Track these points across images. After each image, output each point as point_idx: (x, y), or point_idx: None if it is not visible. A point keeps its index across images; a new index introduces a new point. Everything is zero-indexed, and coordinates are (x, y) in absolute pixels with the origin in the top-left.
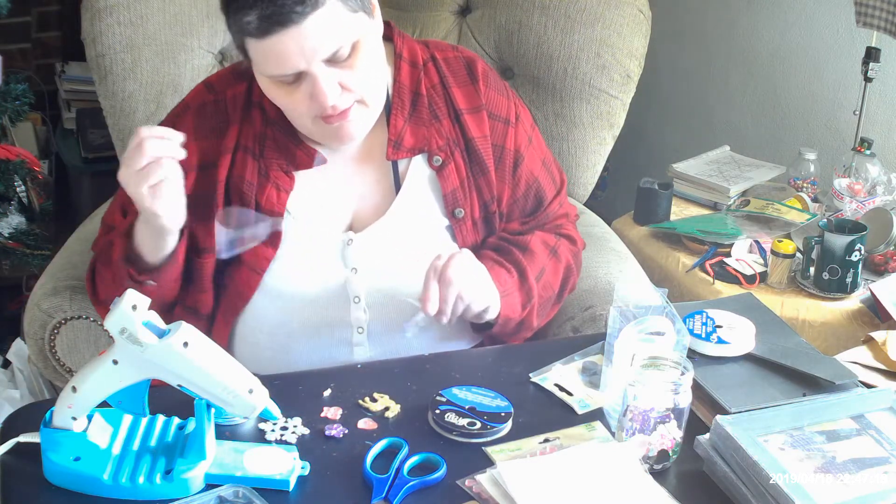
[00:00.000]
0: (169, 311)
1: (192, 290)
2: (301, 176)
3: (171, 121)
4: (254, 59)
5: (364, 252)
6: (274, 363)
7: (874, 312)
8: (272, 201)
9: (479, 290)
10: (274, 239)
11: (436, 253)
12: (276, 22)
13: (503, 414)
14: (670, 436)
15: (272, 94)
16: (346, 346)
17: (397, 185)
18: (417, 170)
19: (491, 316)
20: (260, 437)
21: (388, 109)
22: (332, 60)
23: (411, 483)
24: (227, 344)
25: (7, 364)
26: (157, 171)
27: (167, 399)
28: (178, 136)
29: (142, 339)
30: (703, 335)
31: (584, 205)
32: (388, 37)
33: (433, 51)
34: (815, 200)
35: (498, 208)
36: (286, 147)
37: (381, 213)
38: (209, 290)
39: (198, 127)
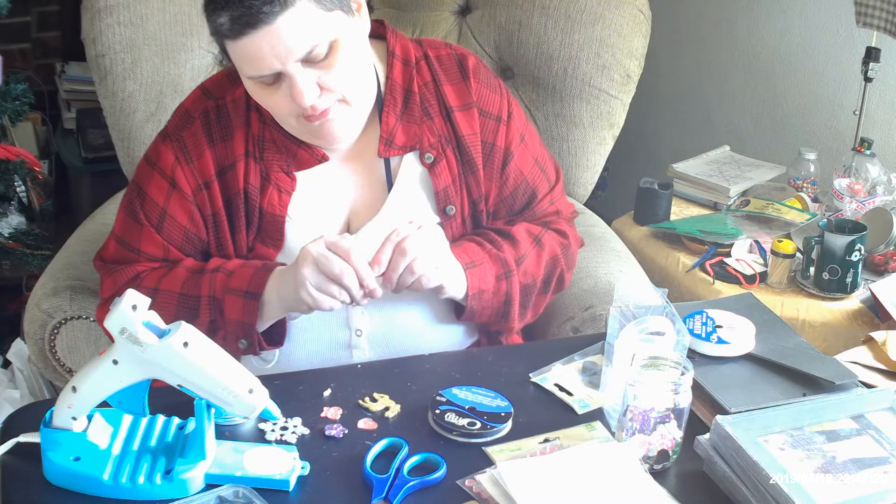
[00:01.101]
0: None
1: None
2: (300, 177)
3: (177, 133)
4: (233, 61)
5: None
6: (274, 366)
7: (874, 312)
8: (273, 204)
9: (433, 266)
10: (276, 241)
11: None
12: (247, 23)
13: (503, 414)
14: (670, 436)
15: (256, 94)
16: (345, 348)
17: (389, 183)
18: (409, 167)
19: (457, 293)
20: (260, 437)
21: (381, 107)
22: (309, 60)
23: (411, 483)
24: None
25: (7, 364)
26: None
27: (167, 399)
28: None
29: (142, 339)
30: (703, 335)
31: (584, 205)
32: (381, 35)
33: (426, 49)
34: (815, 200)
35: (485, 207)
36: (287, 147)
37: (374, 212)
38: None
39: (207, 134)
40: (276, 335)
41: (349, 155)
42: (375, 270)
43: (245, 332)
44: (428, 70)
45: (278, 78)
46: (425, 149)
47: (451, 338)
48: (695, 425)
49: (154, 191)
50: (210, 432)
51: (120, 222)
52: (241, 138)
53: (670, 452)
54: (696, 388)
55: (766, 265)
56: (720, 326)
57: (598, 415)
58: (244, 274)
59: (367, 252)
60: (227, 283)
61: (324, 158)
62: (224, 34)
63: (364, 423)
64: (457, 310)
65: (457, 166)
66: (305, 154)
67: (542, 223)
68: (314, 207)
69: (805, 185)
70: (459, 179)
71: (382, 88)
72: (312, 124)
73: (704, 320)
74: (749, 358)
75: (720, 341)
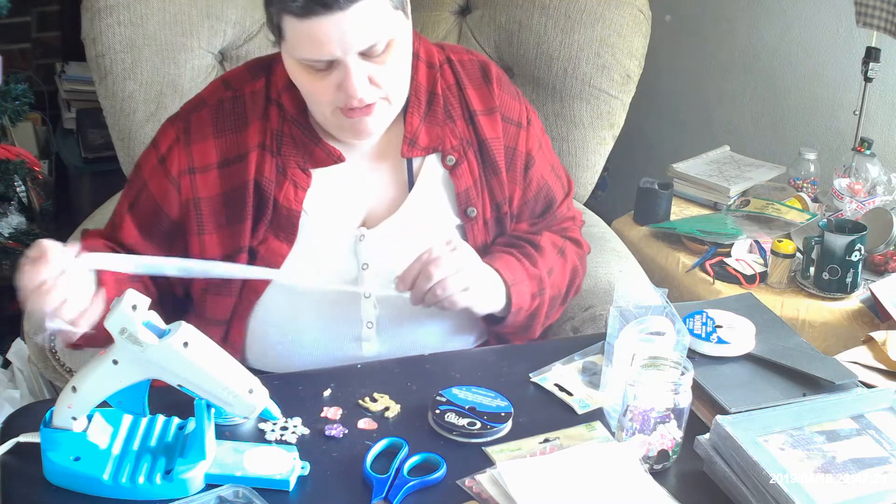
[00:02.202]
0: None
1: (219, 299)
2: (317, 173)
3: (186, 115)
4: (288, 40)
5: (376, 248)
6: (284, 358)
7: (874, 312)
8: (290, 199)
9: (459, 289)
10: (289, 235)
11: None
12: (322, 3)
13: (503, 414)
14: (670, 436)
15: (299, 78)
16: (355, 340)
17: (410, 183)
18: (431, 168)
19: (490, 309)
20: (260, 437)
21: (405, 108)
22: (367, 54)
23: (411, 483)
24: (241, 341)
25: (7, 364)
26: (54, 295)
27: (167, 399)
28: (72, 251)
29: (142, 339)
30: (703, 335)
31: (584, 205)
32: None
33: (448, 53)
34: (815, 200)
35: (509, 209)
36: (305, 145)
37: (393, 210)
38: (235, 294)
39: (215, 123)
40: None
41: (370, 154)
42: (400, 287)
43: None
44: (451, 73)
45: (330, 66)
46: (447, 151)
47: (462, 334)
48: (695, 425)
49: (146, 168)
50: (210, 432)
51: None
52: (256, 130)
53: (670, 452)
54: (696, 388)
55: (766, 265)
56: (720, 326)
57: (598, 415)
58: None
59: (382, 248)
60: None
61: (339, 159)
62: (292, 11)
63: (364, 423)
64: (486, 317)
65: (478, 169)
66: (322, 153)
67: (560, 230)
68: (330, 203)
69: (805, 185)
70: (481, 182)
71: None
72: (350, 119)
73: (704, 320)
74: (749, 358)
75: (720, 341)
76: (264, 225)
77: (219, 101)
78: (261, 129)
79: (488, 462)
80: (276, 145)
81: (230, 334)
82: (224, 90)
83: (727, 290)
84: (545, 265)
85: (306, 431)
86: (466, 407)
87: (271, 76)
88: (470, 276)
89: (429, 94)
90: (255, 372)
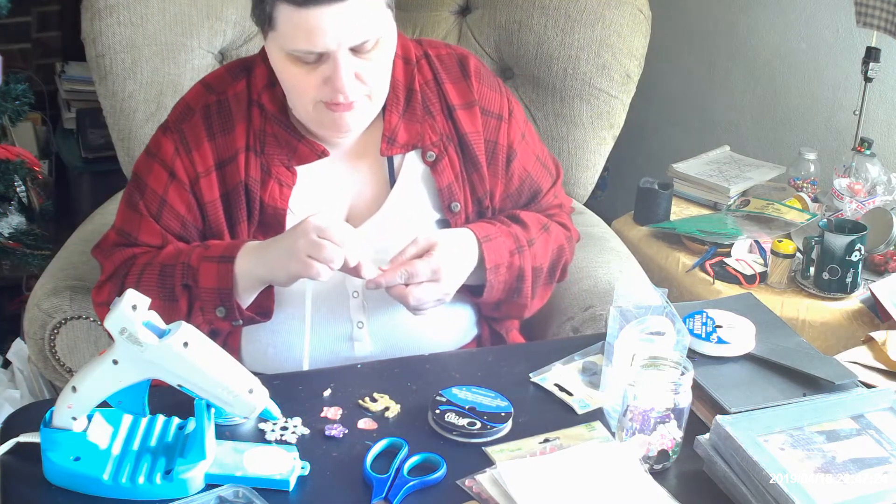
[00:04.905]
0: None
1: None
2: (301, 172)
3: (177, 126)
4: (281, 30)
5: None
6: (277, 360)
7: (874, 312)
8: (275, 197)
9: (435, 298)
10: (277, 234)
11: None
12: None
13: (503, 414)
14: (670, 436)
15: (285, 70)
16: (347, 341)
17: (392, 181)
18: (411, 165)
19: (471, 268)
20: (260, 437)
21: (384, 105)
22: (357, 50)
23: (411, 483)
24: (237, 344)
25: (7, 364)
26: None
27: (167, 399)
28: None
29: (142, 339)
30: (703, 335)
31: (584, 205)
32: None
33: (426, 48)
34: (815, 200)
35: (491, 203)
36: (288, 142)
37: (376, 209)
38: None
39: (207, 128)
40: (262, 310)
41: (351, 152)
42: (370, 286)
43: (221, 299)
44: (429, 68)
45: (320, 59)
46: (427, 147)
47: (455, 331)
48: (695, 425)
49: (153, 181)
50: (210, 432)
51: (120, 214)
52: (241, 132)
53: (670, 452)
54: (696, 388)
55: (766, 265)
56: (720, 326)
57: (598, 415)
58: (218, 244)
59: (366, 247)
60: (203, 252)
61: (324, 154)
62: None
63: (364, 423)
64: (472, 289)
65: (459, 164)
66: (305, 149)
67: (547, 216)
68: (315, 202)
69: (805, 185)
70: (462, 177)
71: None
72: (332, 113)
73: (704, 320)
74: (749, 358)
75: (720, 341)
76: (253, 225)
77: (205, 107)
78: (245, 130)
79: (488, 462)
80: (259, 145)
81: (228, 339)
82: (207, 94)
83: (727, 290)
84: (524, 233)
85: (306, 431)
86: (466, 407)
87: (251, 78)
88: (445, 286)
89: (406, 91)
90: (253, 373)
